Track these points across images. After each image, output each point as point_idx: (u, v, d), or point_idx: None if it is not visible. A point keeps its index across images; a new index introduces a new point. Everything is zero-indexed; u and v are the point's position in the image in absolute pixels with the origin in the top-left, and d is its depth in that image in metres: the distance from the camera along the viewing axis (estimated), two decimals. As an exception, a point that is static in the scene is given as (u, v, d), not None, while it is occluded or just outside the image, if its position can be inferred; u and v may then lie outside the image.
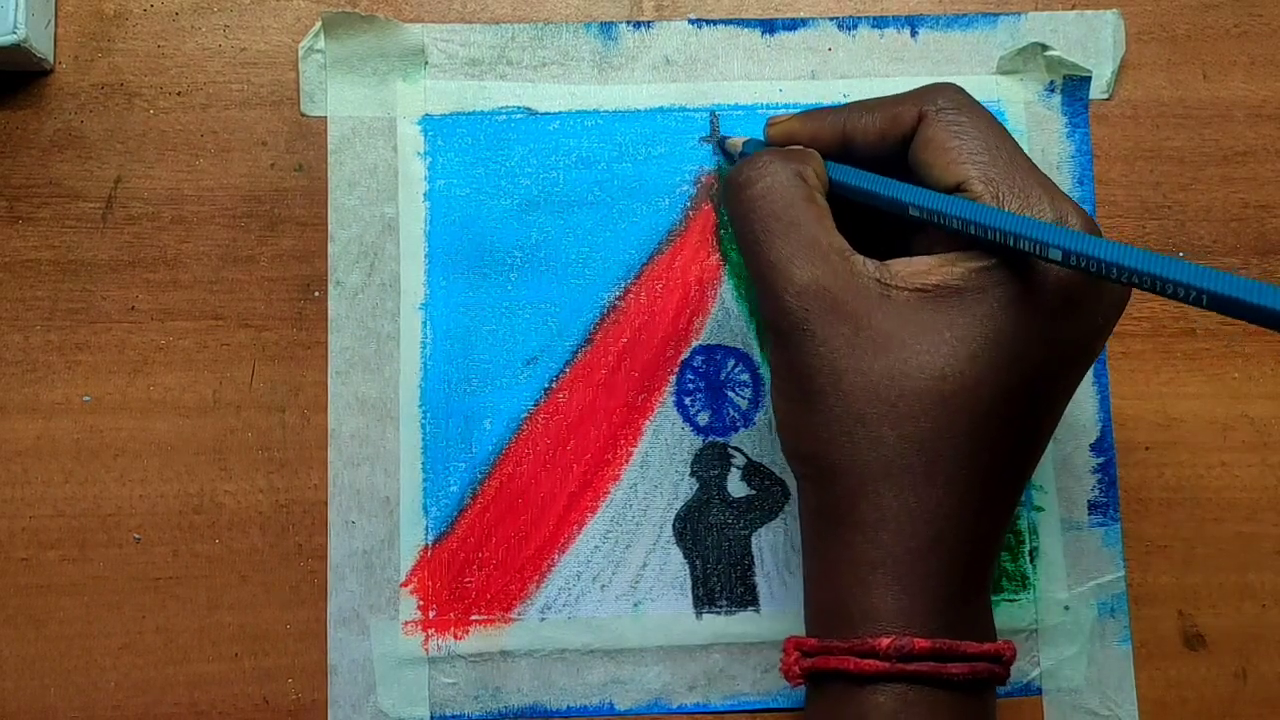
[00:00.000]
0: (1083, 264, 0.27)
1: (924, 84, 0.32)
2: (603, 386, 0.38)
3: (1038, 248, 0.27)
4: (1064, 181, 0.39)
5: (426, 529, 0.37)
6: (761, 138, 0.37)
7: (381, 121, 0.39)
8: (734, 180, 0.32)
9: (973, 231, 0.29)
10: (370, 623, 0.37)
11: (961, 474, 0.29)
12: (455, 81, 0.39)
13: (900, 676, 0.28)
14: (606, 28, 0.39)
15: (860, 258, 0.30)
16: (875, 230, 0.32)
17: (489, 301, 0.38)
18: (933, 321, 0.29)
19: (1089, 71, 0.39)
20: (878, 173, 0.32)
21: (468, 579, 0.37)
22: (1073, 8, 0.40)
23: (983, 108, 0.31)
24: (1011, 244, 0.28)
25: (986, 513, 0.30)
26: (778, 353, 0.31)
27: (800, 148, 0.33)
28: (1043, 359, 0.29)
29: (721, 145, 0.38)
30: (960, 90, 0.31)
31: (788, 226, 0.30)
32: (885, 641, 0.28)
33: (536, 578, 0.37)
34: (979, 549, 0.30)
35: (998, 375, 0.28)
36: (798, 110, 0.39)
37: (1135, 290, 0.39)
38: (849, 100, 0.39)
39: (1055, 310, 0.29)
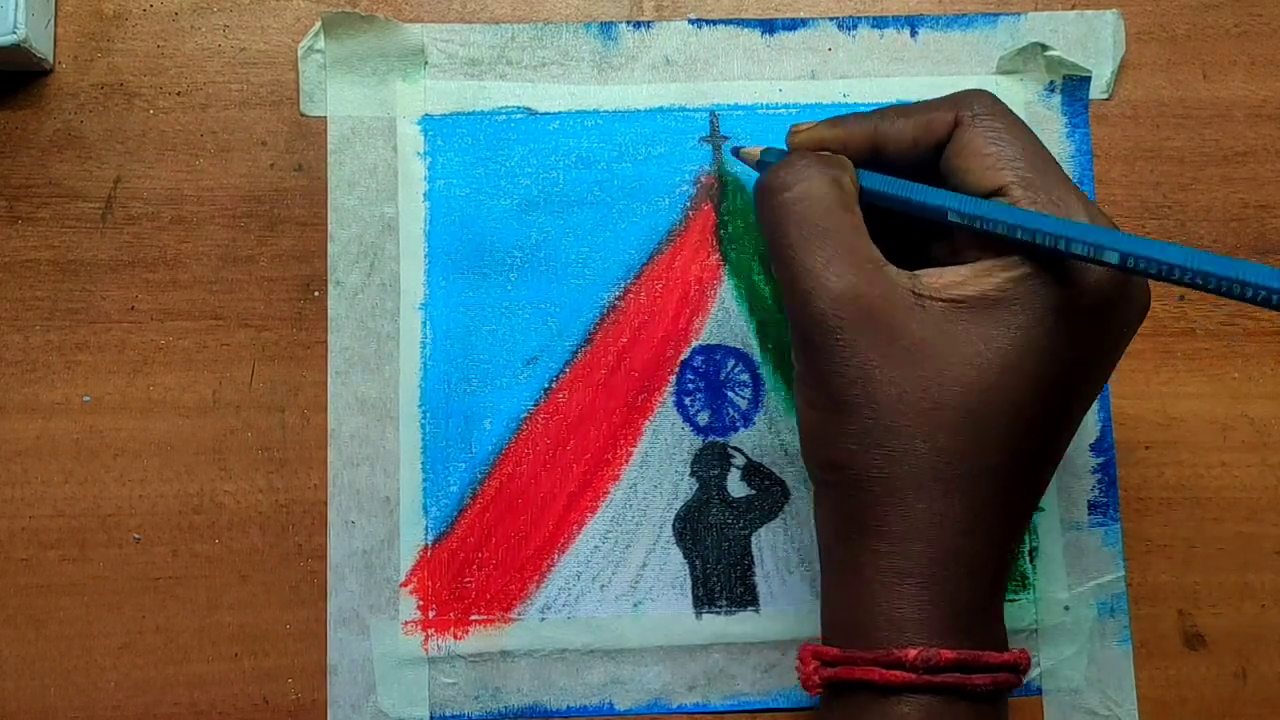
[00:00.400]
0: (1141, 266, 0.27)
1: (961, 88, 0.32)
2: (602, 386, 0.38)
3: (1092, 250, 0.27)
4: (1064, 181, 0.39)
5: (426, 529, 0.37)
6: (770, 142, 0.37)
7: (381, 121, 0.39)
8: (769, 185, 0.31)
9: (1018, 236, 0.28)
10: (370, 623, 0.37)
11: (989, 483, 0.29)
12: (455, 81, 0.39)
13: (926, 688, 0.28)
14: (606, 28, 0.39)
15: (893, 268, 0.30)
16: (889, 239, 0.32)
17: (489, 301, 0.38)
18: (968, 334, 0.28)
19: (1089, 71, 0.39)
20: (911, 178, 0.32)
21: (468, 579, 0.37)
22: (1073, 8, 0.40)
23: (1016, 114, 0.31)
24: (1063, 248, 0.28)
25: (1009, 520, 0.30)
26: (807, 361, 0.30)
27: (833, 154, 0.33)
28: (1072, 367, 0.29)
29: (736, 153, 0.37)
30: (994, 97, 0.31)
31: (823, 234, 0.30)
32: (912, 653, 0.28)
33: (536, 578, 0.37)
34: (999, 556, 0.30)
35: (1031, 385, 0.28)
36: (800, 110, 0.39)
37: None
38: (849, 101, 0.39)
39: (1088, 318, 0.29)
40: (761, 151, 0.36)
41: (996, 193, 0.30)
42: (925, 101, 0.32)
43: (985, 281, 0.29)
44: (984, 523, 0.29)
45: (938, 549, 0.28)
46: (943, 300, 0.29)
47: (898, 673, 0.28)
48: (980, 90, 0.31)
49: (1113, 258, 0.27)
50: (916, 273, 0.30)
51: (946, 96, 0.32)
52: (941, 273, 0.29)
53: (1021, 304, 0.28)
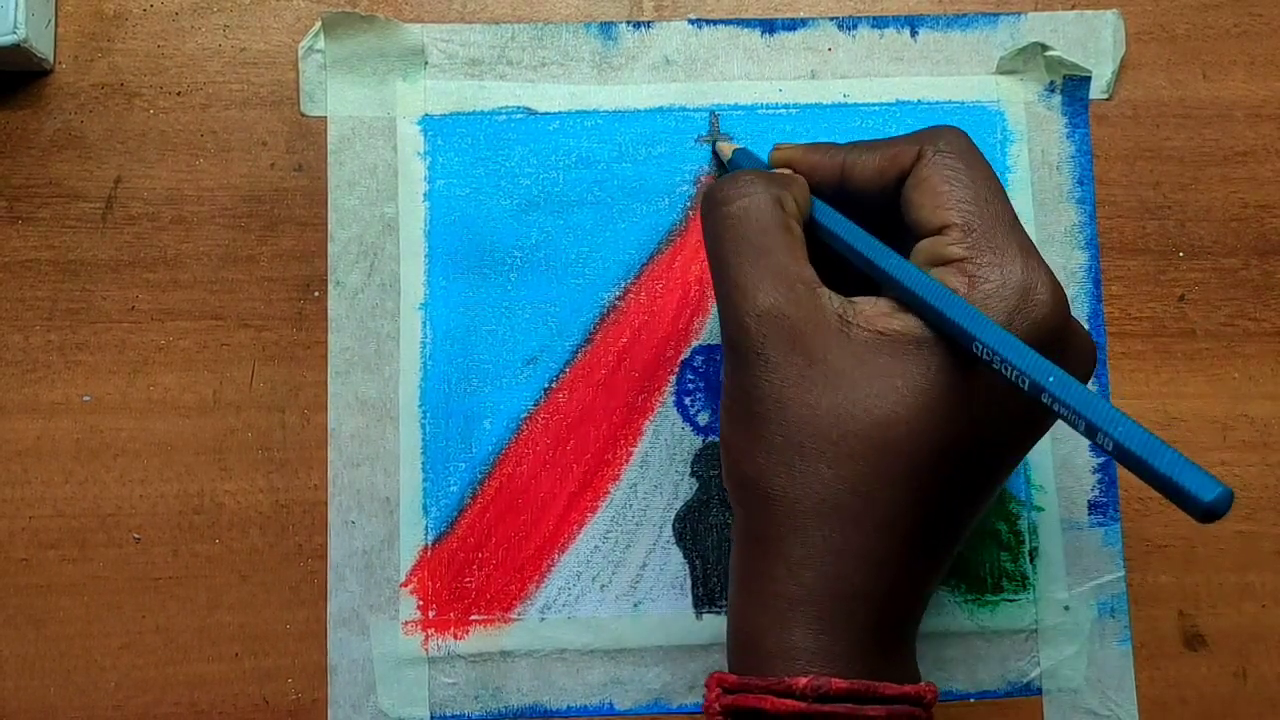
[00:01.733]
0: (1005, 370, 0.27)
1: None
2: (603, 386, 0.38)
3: (969, 343, 0.27)
4: (1064, 181, 0.39)
5: (426, 529, 0.37)
6: (752, 145, 0.37)
7: (381, 121, 0.39)
8: (712, 197, 0.31)
9: (930, 316, 0.28)
10: (370, 623, 0.37)
11: (894, 522, 0.28)
12: (455, 81, 0.39)
13: (817, 717, 0.27)
14: (606, 28, 0.39)
15: (827, 291, 0.29)
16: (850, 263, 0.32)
17: (489, 301, 0.38)
18: (888, 366, 0.28)
19: (1089, 71, 0.39)
20: (877, 215, 0.32)
21: (467, 579, 0.37)
22: (1073, 8, 0.40)
23: (982, 157, 0.31)
24: (965, 340, 0.28)
25: (916, 564, 0.29)
26: (730, 373, 0.30)
27: (786, 172, 0.33)
28: (991, 426, 0.29)
29: (713, 146, 0.38)
30: (963, 135, 0.31)
31: (759, 252, 0.30)
32: (802, 681, 0.27)
33: (536, 578, 0.37)
34: (906, 598, 0.29)
35: (944, 430, 0.28)
36: (800, 110, 0.39)
37: (1134, 290, 0.39)
38: (849, 101, 0.39)
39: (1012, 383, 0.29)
40: (733, 151, 0.36)
41: (939, 231, 0.29)
42: (897, 136, 0.32)
43: (913, 318, 0.29)
44: (887, 560, 0.28)
45: (835, 580, 0.28)
46: (869, 330, 0.29)
47: (789, 701, 0.27)
48: (951, 127, 0.31)
49: (979, 349, 0.27)
50: (853, 299, 0.29)
51: (918, 131, 0.32)
52: (876, 302, 0.29)
53: (943, 347, 0.28)
